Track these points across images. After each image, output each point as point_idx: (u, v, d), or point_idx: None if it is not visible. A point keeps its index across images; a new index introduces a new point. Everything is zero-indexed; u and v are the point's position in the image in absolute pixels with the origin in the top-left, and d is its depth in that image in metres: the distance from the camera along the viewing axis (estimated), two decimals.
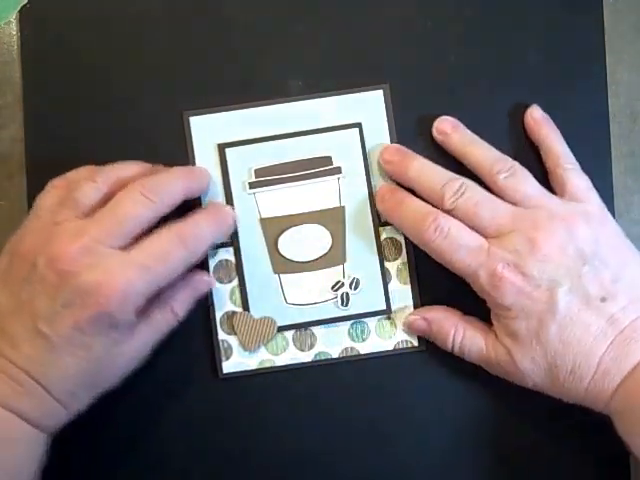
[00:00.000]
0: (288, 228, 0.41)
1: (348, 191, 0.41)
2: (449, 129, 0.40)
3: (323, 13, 0.42)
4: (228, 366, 0.40)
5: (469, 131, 0.40)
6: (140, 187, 0.35)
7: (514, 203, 0.37)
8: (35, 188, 0.41)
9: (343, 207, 0.41)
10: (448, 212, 0.37)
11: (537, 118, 0.40)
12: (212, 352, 0.41)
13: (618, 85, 0.42)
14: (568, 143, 0.41)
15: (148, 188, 0.35)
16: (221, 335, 0.40)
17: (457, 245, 0.36)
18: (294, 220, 0.41)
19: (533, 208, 0.37)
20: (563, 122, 0.41)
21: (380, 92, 0.41)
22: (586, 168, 0.40)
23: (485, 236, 0.37)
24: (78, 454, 0.40)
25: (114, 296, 0.33)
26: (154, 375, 0.40)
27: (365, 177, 0.41)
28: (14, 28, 0.42)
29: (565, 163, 0.39)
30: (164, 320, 0.37)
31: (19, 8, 0.42)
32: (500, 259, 0.35)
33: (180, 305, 0.38)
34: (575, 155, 0.41)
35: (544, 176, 0.40)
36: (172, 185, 0.37)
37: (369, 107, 0.41)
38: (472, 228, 0.37)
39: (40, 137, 0.41)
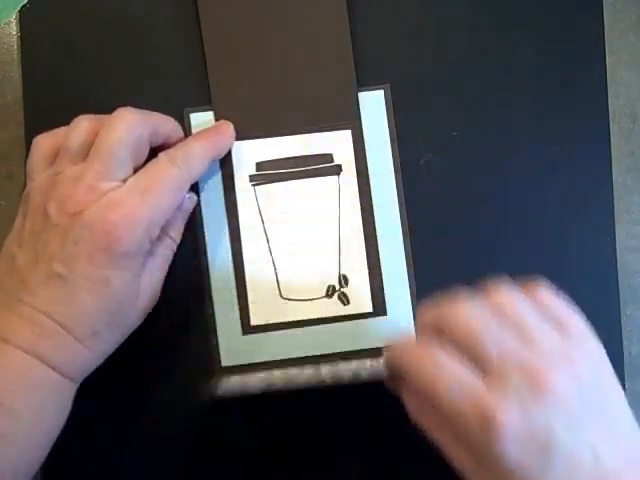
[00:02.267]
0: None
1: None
2: None
3: None
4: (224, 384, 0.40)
5: None
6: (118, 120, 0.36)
7: None
8: None
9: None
10: None
11: None
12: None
13: (618, 85, 0.42)
14: (568, 143, 0.41)
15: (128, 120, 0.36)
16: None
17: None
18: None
19: None
20: (563, 122, 0.41)
21: (380, 92, 0.41)
22: (586, 168, 0.40)
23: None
24: (76, 453, 0.40)
25: (120, 222, 0.34)
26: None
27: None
28: (14, 28, 0.42)
29: None
30: (164, 247, 0.38)
31: (19, 8, 0.42)
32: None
33: (174, 230, 0.39)
34: (575, 155, 0.41)
35: (544, 175, 0.40)
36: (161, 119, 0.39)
37: (369, 107, 0.41)
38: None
39: None
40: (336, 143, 0.41)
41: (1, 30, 0.42)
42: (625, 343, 0.41)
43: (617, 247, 0.41)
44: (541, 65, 0.42)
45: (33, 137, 0.39)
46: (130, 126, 0.36)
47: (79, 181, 0.35)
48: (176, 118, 0.41)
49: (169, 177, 0.36)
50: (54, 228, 0.34)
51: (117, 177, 0.35)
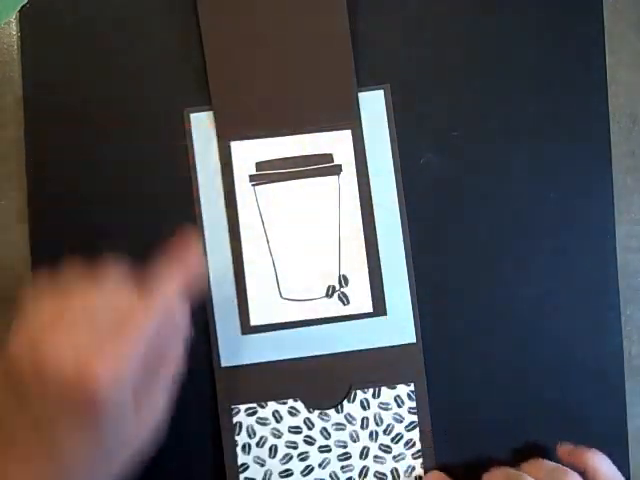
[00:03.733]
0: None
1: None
2: None
3: None
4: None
5: None
6: None
7: None
8: (35, 188, 0.41)
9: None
10: None
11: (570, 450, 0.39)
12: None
13: (618, 85, 0.42)
14: (568, 143, 0.41)
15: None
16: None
17: None
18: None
19: None
20: (563, 122, 0.41)
21: (380, 92, 0.41)
22: (586, 168, 0.40)
23: None
24: None
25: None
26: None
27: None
28: (14, 28, 0.42)
29: None
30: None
31: (19, 8, 0.42)
32: None
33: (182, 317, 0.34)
34: (575, 155, 0.41)
35: (545, 177, 0.40)
36: None
37: (369, 107, 0.41)
38: None
39: (40, 137, 0.41)
40: (336, 143, 0.41)
41: (1, 30, 0.42)
42: (625, 343, 0.41)
43: (617, 247, 0.41)
44: (541, 65, 0.42)
45: (33, 137, 0.39)
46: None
47: None
48: (176, 118, 0.41)
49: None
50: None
51: None
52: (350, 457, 0.40)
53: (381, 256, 0.41)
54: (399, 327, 0.41)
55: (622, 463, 0.40)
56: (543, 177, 0.41)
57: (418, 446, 0.40)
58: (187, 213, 0.41)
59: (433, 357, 0.41)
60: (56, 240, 0.41)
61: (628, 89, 0.43)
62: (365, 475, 0.40)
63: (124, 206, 0.41)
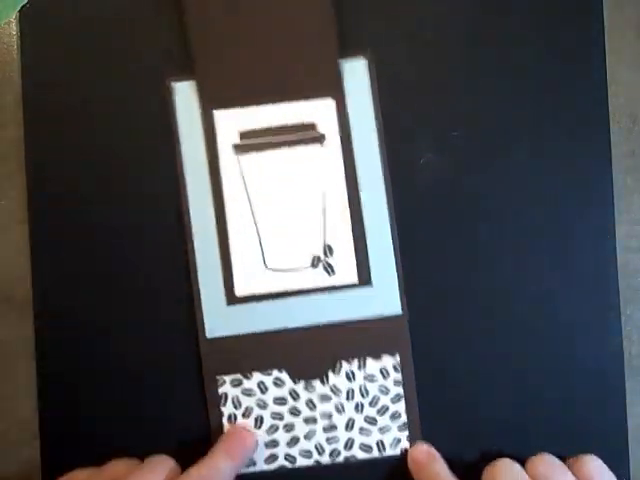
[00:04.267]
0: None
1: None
2: (425, 459, 0.40)
3: None
4: None
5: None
6: None
7: None
8: (35, 188, 0.41)
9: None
10: None
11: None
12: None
13: (618, 85, 0.42)
14: (568, 143, 0.41)
15: None
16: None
17: None
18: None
19: None
20: (563, 122, 0.41)
21: (363, 61, 0.41)
22: (586, 168, 0.40)
23: None
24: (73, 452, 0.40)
25: None
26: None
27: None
28: (14, 28, 0.42)
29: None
30: None
31: (19, 8, 0.42)
32: None
33: None
34: (575, 155, 0.41)
35: (546, 176, 0.40)
36: None
37: (352, 76, 0.41)
38: None
39: (40, 137, 0.41)
40: (319, 112, 0.41)
41: (1, 30, 0.42)
42: (625, 343, 0.41)
43: (617, 247, 0.41)
44: (541, 65, 0.42)
45: (33, 137, 0.39)
46: None
47: None
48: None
49: None
50: None
51: None
52: (336, 429, 0.40)
53: (366, 226, 0.41)
54: (385, 298, 0.41)
55: (622, 463, 0.40)
56: (543, 177, 0.41)
57: (404, 418, 0.41)
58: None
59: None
60: (56, 240, 0.41)
61: (628, 89, 0.43)
62: (350, 447, 0.40)
63: (125, 205, 0.41)
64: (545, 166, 0.41)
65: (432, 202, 0.41)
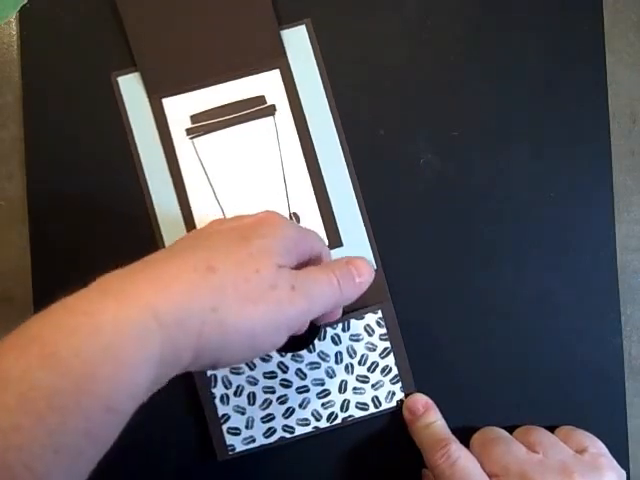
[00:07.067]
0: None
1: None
2: (420, 409, 0.40)
3: None
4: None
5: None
6: None
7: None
8: (35, 188, 0.41)
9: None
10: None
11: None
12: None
13: (618, 85, 0.42)
14: (568, 143, 0.41)
15: None
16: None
17: (461, 476, 0.36)
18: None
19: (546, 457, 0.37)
20: (563, 122, 0.41)
21: (302, 27, 0.42)
22: (586, 168, 0.40)
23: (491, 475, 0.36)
24: None
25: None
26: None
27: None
28: (14, 28, 0.42)
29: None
30: None
31: (19, 8, 0.42)
32: None
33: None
34: (575, 155, 0.41)
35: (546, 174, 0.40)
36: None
37: (294, 44, 0.41)
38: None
39: (40, 137, 0.41)
40: (267, 84, 0.41)
41: (1, 30, 0.42)
42: (625, 343, 0.41)
43: (617, 247, 0.41)
44: (541, 65, 0.42)
45: (33, 137, 0.39)
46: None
47: None
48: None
49: (328, 296, 0.33)
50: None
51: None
52: (329, 393, 0.41)
53: (328, 189, 0.41)
54: (358, 255, 0.40)
55: (622, 463, 0.40)
56: (543, 177, 0.41)
57: (395, 371, 0.41)
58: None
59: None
60: (56, 240, 0.41)
61: (628, 89, 0.43)
62: (347, 408, 0.41)
63: (125, 204, 0.41)
64: (545, 166, 0.41)
65: (432, 202, 0.41)
